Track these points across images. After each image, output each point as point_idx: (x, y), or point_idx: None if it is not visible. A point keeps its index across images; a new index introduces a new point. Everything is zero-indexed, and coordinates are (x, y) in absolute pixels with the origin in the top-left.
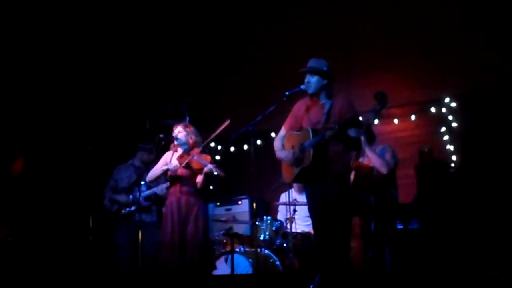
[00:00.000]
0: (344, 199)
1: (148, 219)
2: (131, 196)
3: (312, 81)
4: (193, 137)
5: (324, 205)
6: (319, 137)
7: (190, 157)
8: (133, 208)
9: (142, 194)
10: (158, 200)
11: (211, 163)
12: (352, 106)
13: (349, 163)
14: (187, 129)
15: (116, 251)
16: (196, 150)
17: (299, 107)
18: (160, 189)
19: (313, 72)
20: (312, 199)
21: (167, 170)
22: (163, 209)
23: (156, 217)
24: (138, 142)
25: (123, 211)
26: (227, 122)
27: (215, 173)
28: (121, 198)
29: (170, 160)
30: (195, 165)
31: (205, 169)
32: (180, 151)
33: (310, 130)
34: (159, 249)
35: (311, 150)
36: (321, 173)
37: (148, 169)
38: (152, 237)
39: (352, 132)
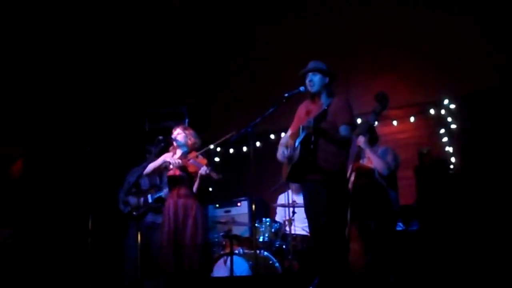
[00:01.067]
0: (337, 202)
1: (160, 220)
2: (142, 199)
3: (315, 80)
4: (192, 139)
5: (317, 208)
6: (302, 134)
7: (186, 160)
8: (143, 209)
9: (152, 196)
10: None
11: (206, 165)
12: (346, 106)
13: (344, 164)
14: (186, 131)
15: (125, 251)
16: (194, 153)
17: (302, 109)
18: (165, 192)
19: (315, 70)
20: (306, 201)
21: (168, 163)
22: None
23: None
24: (148, 145)
25: (134, 213)
26: (232, 133)
27: (211, 176)
28: (132, 200)
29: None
30: (191, 168)
31: (200, 171)
32: (179, 153)
33: (300, 128)
34: (158, 251)
35: (299, 147)
36: (311, 171)
37: None
38: None
39: (343, 131)
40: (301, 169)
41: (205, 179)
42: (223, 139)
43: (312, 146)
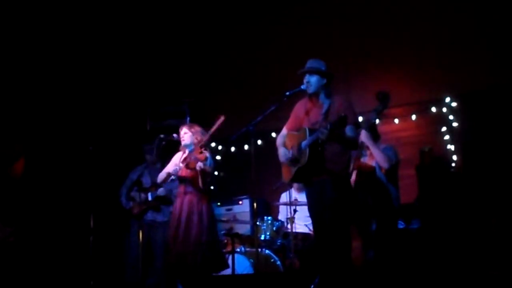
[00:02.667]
0: (342, 201)
1: (160, 218)
2: (142, 196)
3: (312, 81)
4: (199, 137)
5: (322, 206)
6: (313, 137)
7: (190, 157)
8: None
9: (152, 194)
10: (165, 200)
11: (203, 160)
12: (350, 106)
13: (348, 163)
14: (192, 130)
15: (126, 250)
16: (198, 149)
17: (300, 107)
18: (160, 190)
19: (312, 72)
20: (311, 200)
21: (170, 174)
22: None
23: (167, 217)
24: (143, 144)
25: (135, 211)
26: (221, 118)
27: (205, 170)
28: (136, 195)
29: (179, 161)
30: (192, 165)
31: (196, 167)
32: (187, 152)
33: (307, 130)
34: (160, 249)
35: (307, 150)
36: (317, 173)
37: (151, 170)
38: (163, 236)
39: (349, 132)
40: (308, 171)
41: (203, 174)
42: (215, 126)
43: (320, 149)
